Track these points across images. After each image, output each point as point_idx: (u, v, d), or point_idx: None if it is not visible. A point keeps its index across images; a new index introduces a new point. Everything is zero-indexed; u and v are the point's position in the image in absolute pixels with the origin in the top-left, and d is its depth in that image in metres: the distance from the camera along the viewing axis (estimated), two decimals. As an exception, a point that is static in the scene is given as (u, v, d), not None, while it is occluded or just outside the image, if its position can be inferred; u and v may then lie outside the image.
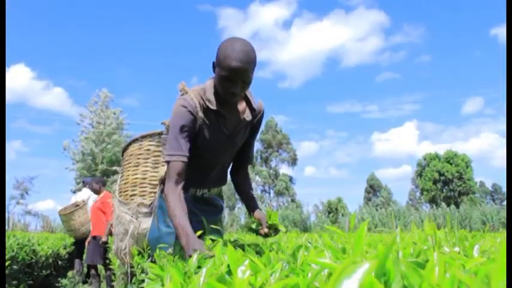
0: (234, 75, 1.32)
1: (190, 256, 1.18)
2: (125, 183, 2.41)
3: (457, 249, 0.76)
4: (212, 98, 1.45)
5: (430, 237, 0.85)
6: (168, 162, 1.41)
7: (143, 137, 2.32)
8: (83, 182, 5.87)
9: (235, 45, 1.32)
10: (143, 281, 2.10)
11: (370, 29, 44.71)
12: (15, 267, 3.81)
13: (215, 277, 0.59)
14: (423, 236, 1.00)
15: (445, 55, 46.23)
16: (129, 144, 2.41)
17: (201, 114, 1.44)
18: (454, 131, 48.30)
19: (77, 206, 5.65)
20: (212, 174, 1.62)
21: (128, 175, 2.38)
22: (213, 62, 1.40)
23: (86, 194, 5.83)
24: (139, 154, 2.33)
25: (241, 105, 1.54)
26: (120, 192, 2.46)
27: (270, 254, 0.80)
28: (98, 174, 21.29)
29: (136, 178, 2.35)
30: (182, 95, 1.48)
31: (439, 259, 0.41)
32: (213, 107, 1.44)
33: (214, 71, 1.41)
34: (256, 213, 1.55)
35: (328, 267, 0.48)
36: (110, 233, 4.76)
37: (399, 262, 0.44)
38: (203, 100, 1.45)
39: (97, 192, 5.24)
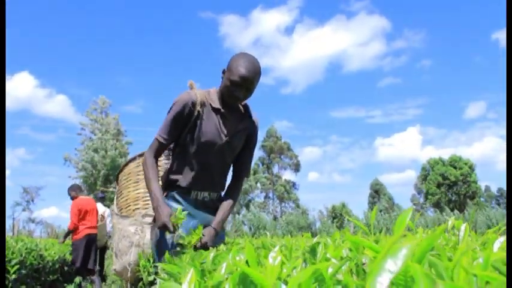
0: (243, 81, 1.54)
1: (161, 225, 1.47)
2: (125, 200, 2.42)
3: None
4: (215, 98, 1.66)
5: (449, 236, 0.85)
6: (156, 137, 1.64)
7: (140, 156, 2.34)
8: (95, 198, 6.03)
9: (247, 58, 1.57)
10: (152, 283, 2.09)
11: (372, 34, 44.70)
12: (23, 271, 3.81)
13: (237, 273, 0.59)
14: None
15: (446, 59, 46.16)
16: (126, 164, 2.43)
17: (199, 108, 1.61)
18: (457, 136, 47.98)
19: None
20: (212, 177, 1.70)
21: (129, 192, 2.40)
22: (224, 69, 1.61)
23: (101, 209, 6.08)
24: (139, 171, 2.35)
25: (241, 111, 1.73)
26: (121, 209, 2.46)
27: (287, 251, 0.80)
28: (100, 180, 21.29)
29: (138, 193, 2.38)
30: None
31: (467, 247, 0.42)
32: (216, 105, 1.64)
33: (222, 77, 1.62)
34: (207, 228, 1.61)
35: (369, 247, 0.48)
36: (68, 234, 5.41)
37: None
38: (206, 99, 1.64)
39: (73, 198, 5.47)
